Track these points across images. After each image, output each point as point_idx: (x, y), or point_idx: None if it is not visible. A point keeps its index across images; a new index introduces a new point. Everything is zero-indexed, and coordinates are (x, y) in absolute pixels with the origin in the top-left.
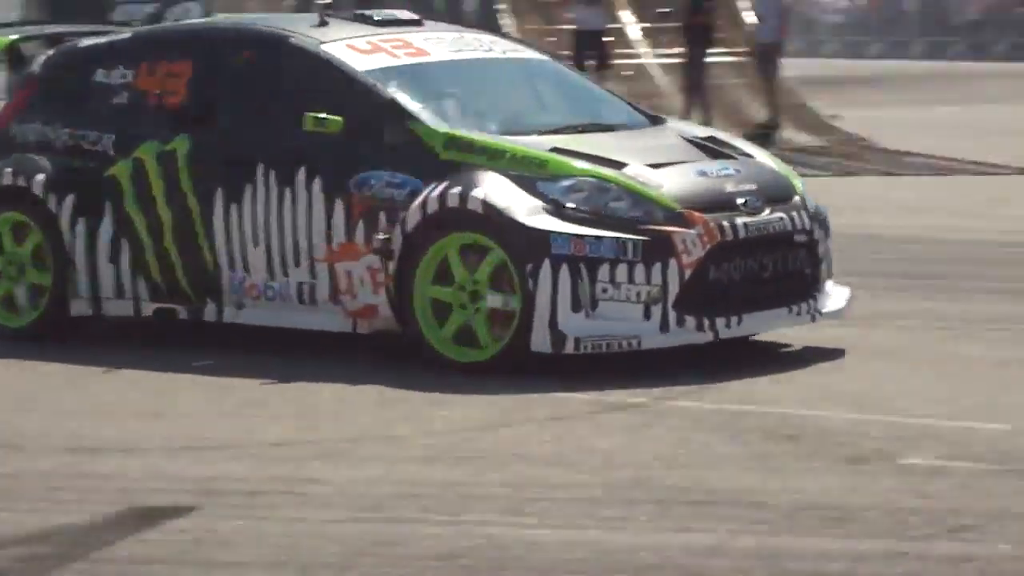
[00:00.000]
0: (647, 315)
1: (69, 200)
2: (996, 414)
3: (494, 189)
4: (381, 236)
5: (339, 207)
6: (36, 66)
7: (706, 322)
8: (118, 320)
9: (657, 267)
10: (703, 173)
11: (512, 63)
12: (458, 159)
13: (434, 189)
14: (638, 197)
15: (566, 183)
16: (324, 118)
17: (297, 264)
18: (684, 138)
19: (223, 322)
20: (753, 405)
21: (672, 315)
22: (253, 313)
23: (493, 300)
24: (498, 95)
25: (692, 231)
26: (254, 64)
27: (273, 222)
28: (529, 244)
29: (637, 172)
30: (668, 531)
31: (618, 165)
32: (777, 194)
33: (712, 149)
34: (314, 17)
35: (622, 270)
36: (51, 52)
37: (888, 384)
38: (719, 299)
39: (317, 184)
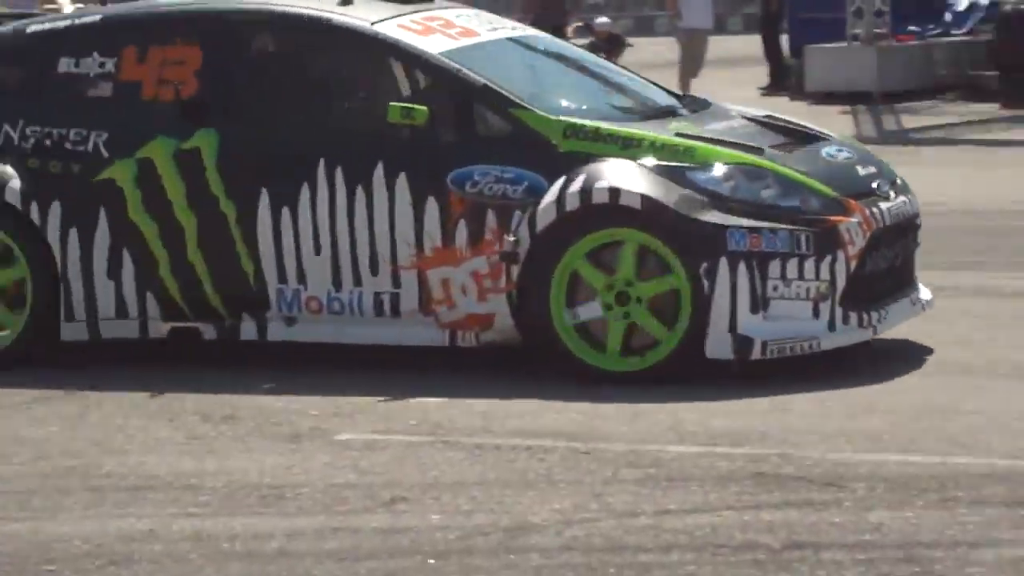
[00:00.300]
0: (816, 313)
1: (55, 209)
2: (430, 388)
3: (647, 181)
4: (511, 239)
5: (431, 207)
6: None
7: (865, 317)
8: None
9: (827, 260)
10: (829, 157)
11: (538, 42)
12: (583, 149)
13: (570, 184)
14: (791, 183)
15: (719, 172)
16: (411, 108)
17: (374, 273)
18: (756, 121)
19: (265, 341)
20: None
21: (839, 312)
22: (310, 329)
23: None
24: (552, 78)
25: (853, 220)
26: (288, 49)
27: (342, 226)
28: (703, 241)
29: (775, 156)
30: (103, 518)
31: (757, 150)
32: (890, 176)
33: (798, 131)
34: None
35: (793, 265)
36: None
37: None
38: (870, 292)
39: (402, 182)
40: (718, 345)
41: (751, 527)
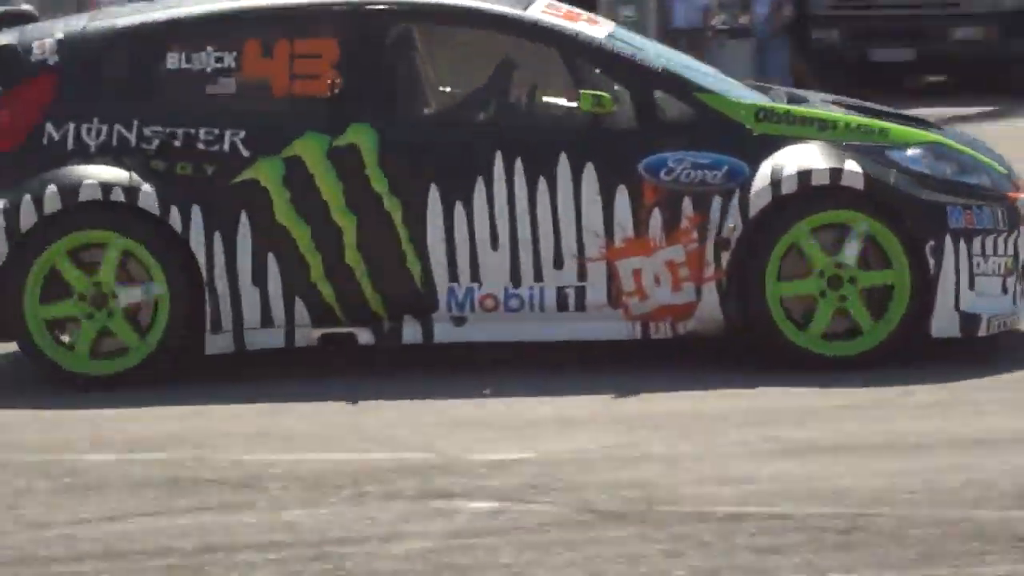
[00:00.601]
0: (1004, 289)
1: (196, 214)
2: None
3: (861, 161)
4: (731, 225)
5: (622, 197)
6: (42, 54)
7: None
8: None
9: (1013, 236)
10: (958, 137)
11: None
12: (777, 132)
13: (782, 166)
14: (970, 160)
15: (915, 151)
16: (600, 96)
17: (558, 267)
18: (861, 108)
19: (432, 343)
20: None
21: (1019, 288)
22: (483, 328)
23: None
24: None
25: (1023, 195)
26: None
27: (522, 221)
28: (928, 219)
29: (947, 134)
30: None
31: (936, 128)
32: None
33: (896, 115)
34: None
35: (991, 241)
36: (65, 37)
37: None
38: None
39: (589, 172)
40: (945, 323)
41: (165, 532)
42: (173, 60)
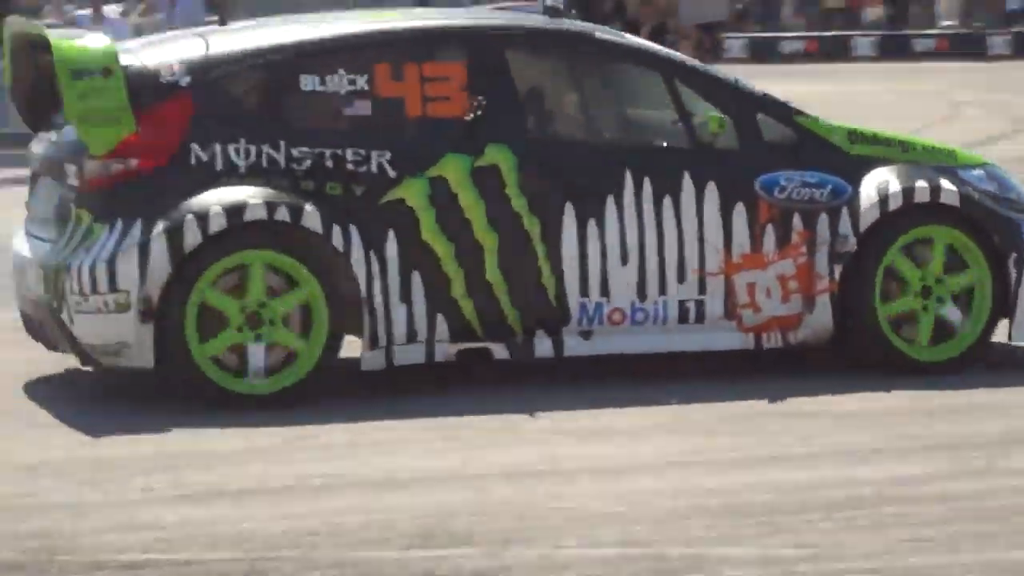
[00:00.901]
0: None
1: (353, 233)
2: None
3: (951, 181)
4: (848, 239)
5: (740, 213)
6: (172, 76)
7: None
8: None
9: None
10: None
11: None
12: (870, 153)
13: (886, 183)
14: (1004, 179)
15: (979, 172)
16: (721, 118)
17: (681, 281)
18: None
19: (562, 357)
20: None
21: None
22: (607, 342)
23: (951, 312)
24: None
25: None
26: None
27: (650, 237)
28: (1009, 233)
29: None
30: None
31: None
32: None
33: None
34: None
35: None
36: (192, 58)
37: None
38: None
39: (711, 190)
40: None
41: None
42: (307, 82)
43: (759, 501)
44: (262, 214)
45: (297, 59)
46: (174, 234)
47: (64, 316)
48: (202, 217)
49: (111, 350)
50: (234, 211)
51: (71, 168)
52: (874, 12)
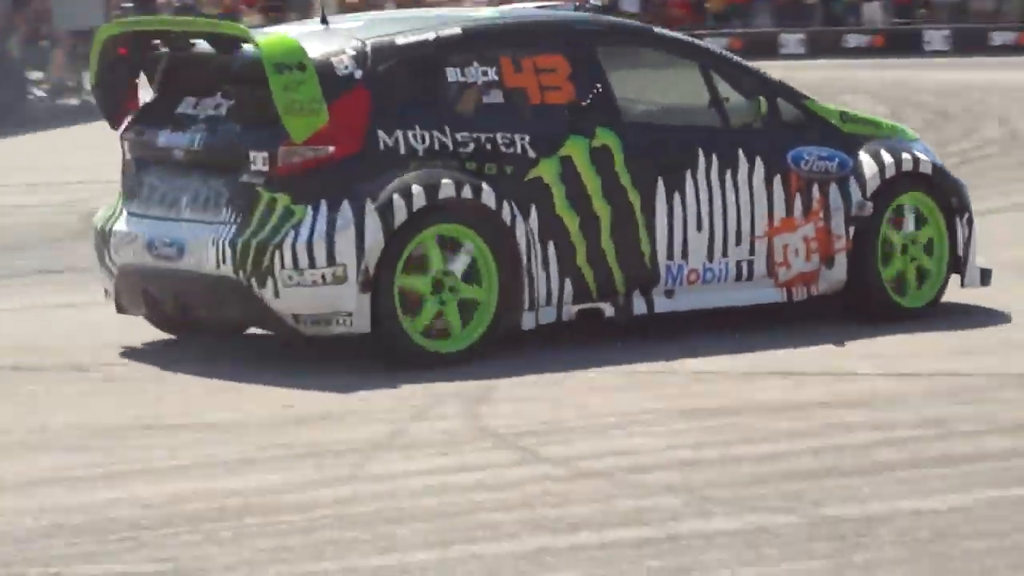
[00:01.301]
0: None
1: (516, 208)
2: None
3: (922, 152)
4: (864, 203)
5: (778, 184)
6: (347, 69)
7: None
8: None
9: None
10: None
11: None
12: (858, 131)
13: (880, 156)
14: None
15: (922, 144)
16: (763, 101)
17: (738, 244)
18: None
19: (653, 314)
20: None
21: None
22: (685, 299)
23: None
24: None
25: None
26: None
27: (717, 206)
28: (961, 196)
29: None
30: None
31: None
32: None
33: None
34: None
35: None
36: (365, 52)
37: None
38: None
39: (758, 164)
40: (972, 278)
41: None
42: (452, 74)
43: (124, 517)
44: (452, 192)
45: (437, 53)
46: (385, 212)
47: (265, 290)
48: (407, 196)
49: (322, 319)
50: (431, 190)
51: (258, 156)
52: None
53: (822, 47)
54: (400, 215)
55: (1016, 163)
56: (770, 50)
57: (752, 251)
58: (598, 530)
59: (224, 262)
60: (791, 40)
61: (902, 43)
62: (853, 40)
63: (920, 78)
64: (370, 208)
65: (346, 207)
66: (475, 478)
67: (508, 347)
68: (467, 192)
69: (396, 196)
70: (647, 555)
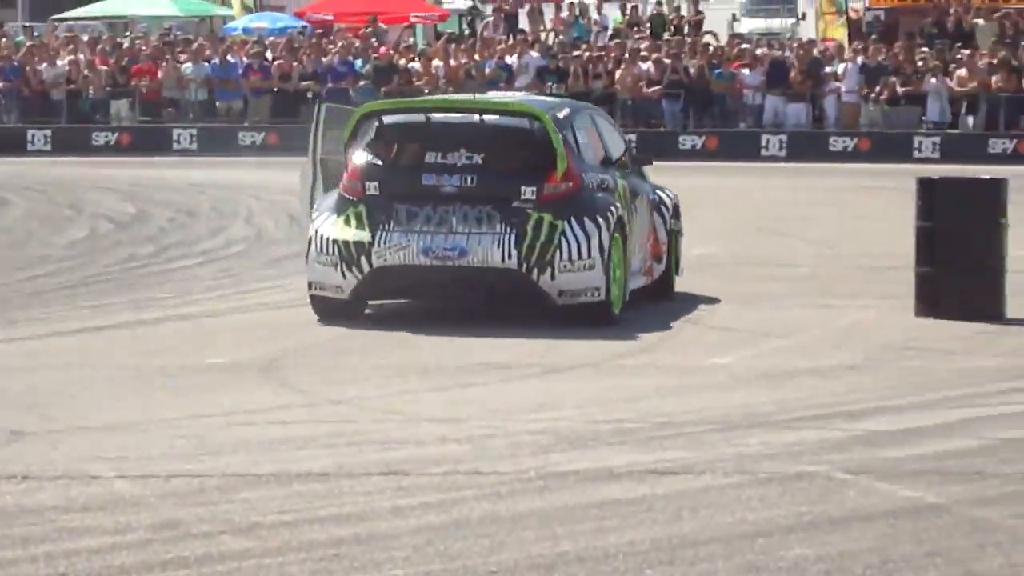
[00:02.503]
0: None
1: None
2: None
3: None
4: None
5: None
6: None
7: None
8: None
9: None
10: None
11: None
12: None
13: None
14: None
15: None
16: None
17: None
18: None
19: None
20: None
21: None
22: None
23: None
24: None
25: None
26: None
27: None
28: None
29: None
30: None
31: None
32: None
33: None
34: None
35: None
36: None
37: None
38: None
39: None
40: None
41: None
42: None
43: None
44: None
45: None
46: (617, 225)
47: (544, 277)
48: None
49: (579, 292)
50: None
51: (527, 189)
52: None
53: (70, 144)
54: (616, 227)
55: (263, 262)
56: (19, 146)
57: None
58: None
59: (509, 258)
60: (39, 136)
61: (151, 141)
62: (101, 137)
63: (168, 176)
64: (605, 223)
65: (590, 222)
66: None
67: None
68: None
69: (616, 213)
70: None
